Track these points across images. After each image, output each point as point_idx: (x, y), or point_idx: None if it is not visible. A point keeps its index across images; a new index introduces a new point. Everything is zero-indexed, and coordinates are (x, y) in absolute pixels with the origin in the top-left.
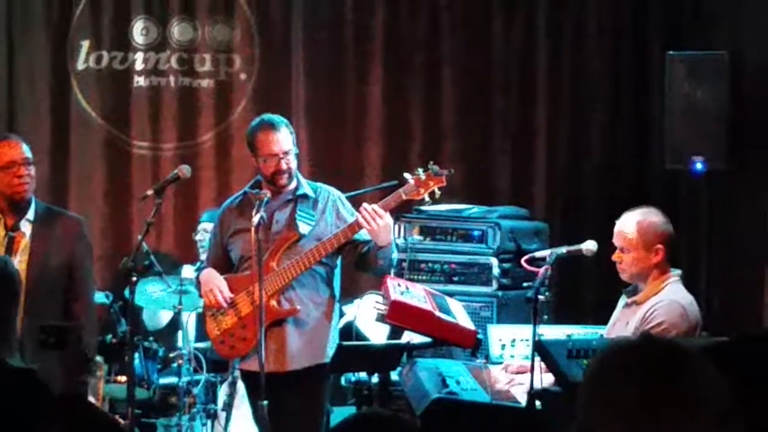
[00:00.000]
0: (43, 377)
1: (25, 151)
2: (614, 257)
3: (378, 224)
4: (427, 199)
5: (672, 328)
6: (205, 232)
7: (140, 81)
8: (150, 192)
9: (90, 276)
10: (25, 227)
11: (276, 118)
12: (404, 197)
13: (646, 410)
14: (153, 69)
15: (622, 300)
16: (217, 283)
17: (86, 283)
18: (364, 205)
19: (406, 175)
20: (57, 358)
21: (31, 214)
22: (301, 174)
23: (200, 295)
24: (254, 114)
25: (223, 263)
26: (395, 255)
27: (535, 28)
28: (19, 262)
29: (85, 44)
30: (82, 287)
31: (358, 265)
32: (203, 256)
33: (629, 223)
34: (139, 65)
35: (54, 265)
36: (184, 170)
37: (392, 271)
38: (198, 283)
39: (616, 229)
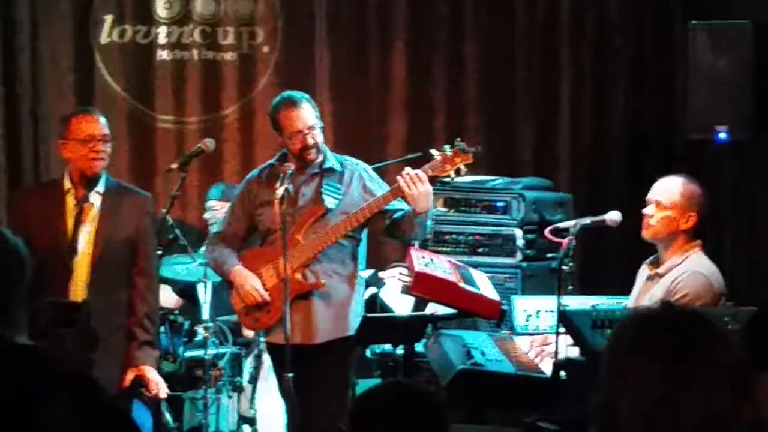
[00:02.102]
0: (59, 356)
1: (104, 126)
2: (646, 210)
3: (419, 189)
4: (453, 175)
5: (696, 299)
6: (212, 210)
7: (163, 55)
8: (174, 166)
9: (154, 252)
10: (95, 199)
11: (296, 94)
12: (430, 173)
13: (664, 378)
14: (176, 43)
15: (644, 271)
16: (252, 283)
17: (151, 258)
18: (407, 169)
19: (433, 152)
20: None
21: (101, 187)
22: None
23: (239, 293)
24: (278, 87)
25: (239, 237)
26: (431, 223)
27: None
28: (87, 232)
29: (108, 18)
30: (147, 262)
31: (388, 232)
32: None
33: (674, 182)
34: (162, 39)
35: (120, 239)
36: (208, 144)
37: (417, 242)
38: (229, 282)
39: (658, 184)
